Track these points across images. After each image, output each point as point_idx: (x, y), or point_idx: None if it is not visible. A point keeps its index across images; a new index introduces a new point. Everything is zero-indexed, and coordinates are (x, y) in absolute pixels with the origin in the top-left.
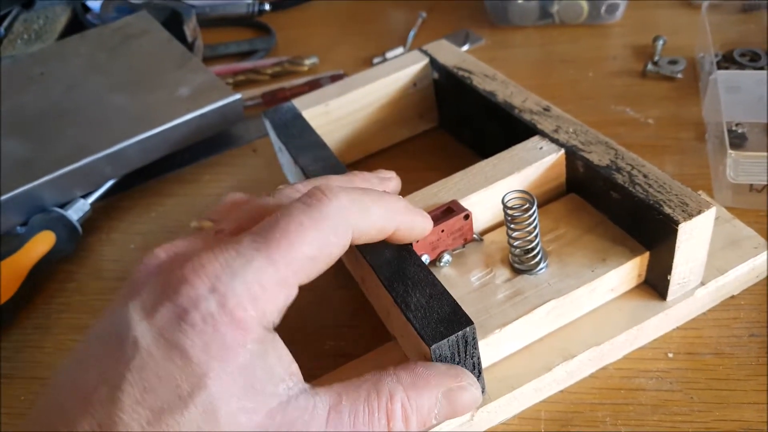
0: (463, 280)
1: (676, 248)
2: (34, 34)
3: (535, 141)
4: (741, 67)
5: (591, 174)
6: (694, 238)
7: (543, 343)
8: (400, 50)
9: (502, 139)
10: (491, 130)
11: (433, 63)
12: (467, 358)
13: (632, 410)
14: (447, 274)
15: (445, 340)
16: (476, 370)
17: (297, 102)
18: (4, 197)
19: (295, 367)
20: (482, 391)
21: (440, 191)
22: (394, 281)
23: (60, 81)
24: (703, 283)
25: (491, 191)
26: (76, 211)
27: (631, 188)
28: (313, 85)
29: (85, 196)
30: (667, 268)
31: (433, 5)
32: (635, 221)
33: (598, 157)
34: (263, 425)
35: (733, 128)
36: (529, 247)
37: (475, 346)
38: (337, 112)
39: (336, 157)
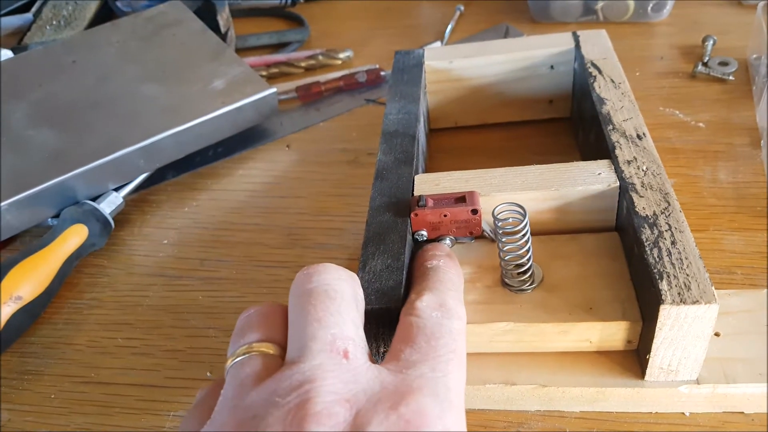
0: None
1: (657, 329)
2: (64, 21)
3: (599, 165)
4: None
5: (629, 219)
6: (683, 327)
7: (496, 358)
8: (437, 44)
9: (593, 151)
10: (590, 138)
11: (577, 51)
12: (389, 331)
13: None
14: None
15: (369, 308)
16: None
17: (428, 50)
18: (36, 189)
19: None
20: None
21: (473, 179)
22: (371, 242)
23: (92, 70)
24: (698, 382)
25: (519, 197)
26: (108, 204)
27: (648, 249)
28: (348, 80)
29: (117, 189)
30: (650, 346)
31: None
32: (642, 285)
33: (644, 204)
34: None
35: None
36: (518, 263)
37: None
38: (458, 72)
39: (420, 115)
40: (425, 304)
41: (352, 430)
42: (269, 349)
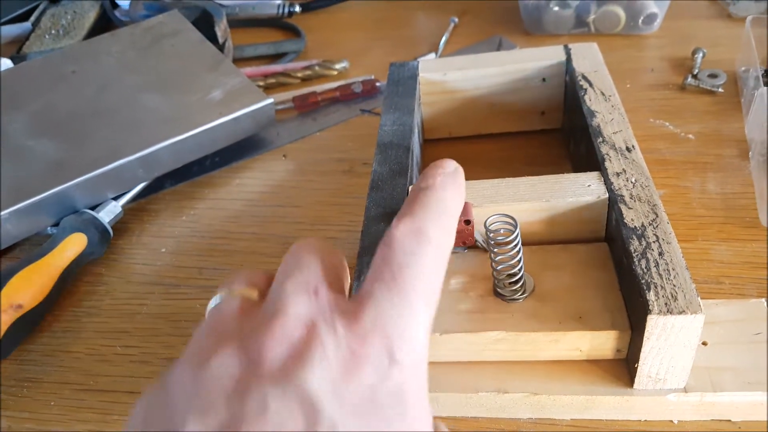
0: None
1: (645, 338)
2: (63, 30)
3: (589, 177)
4: None
5: (618, 230)
6: (670, 336)
7: (488, 367)
8: (432, 56)
9: (583, 162)
10: (581, 149)
11: (569, 64)
12: None
13: None
14: None
15: None
16: None
17: (422, 62)
18: (36, 198)
19: None
20: None
21: (466, 190)
22: (366, 252)
23: (92, 80)
24: (685, 390)
25: (510, 208)
26: (107, 213)
27: (636, 260)
28: (344, 90)
29: (116, 198)
30: (638, 355)
31: (466, 10)
32: (631, 295)
33: (633, 216)
34: None
35: None
36: (510, 272)
37: None
38: (452, 84)
39: (415, 127)
40: (399, 231)
41: (305, 347)
42: (249, 293)
